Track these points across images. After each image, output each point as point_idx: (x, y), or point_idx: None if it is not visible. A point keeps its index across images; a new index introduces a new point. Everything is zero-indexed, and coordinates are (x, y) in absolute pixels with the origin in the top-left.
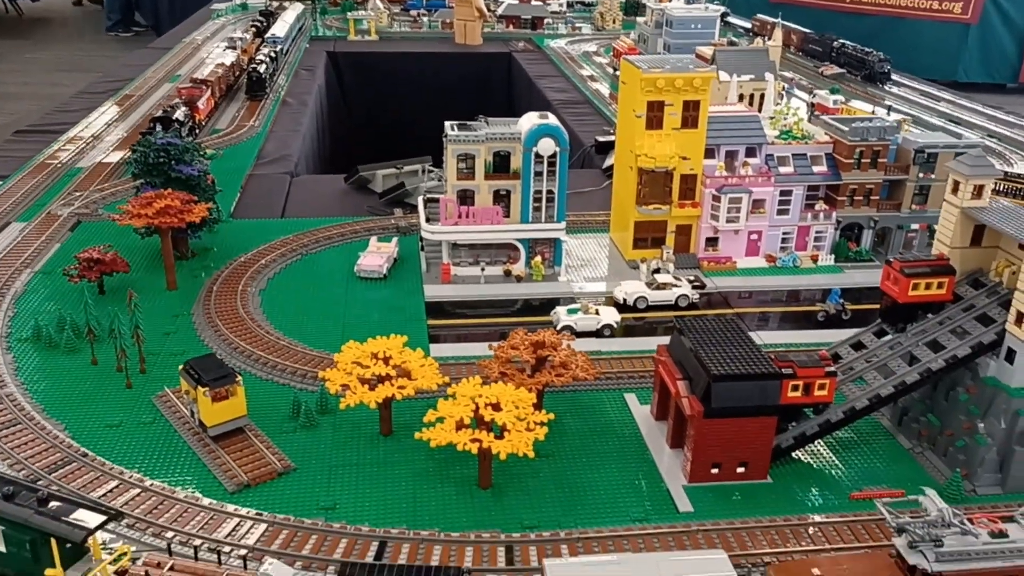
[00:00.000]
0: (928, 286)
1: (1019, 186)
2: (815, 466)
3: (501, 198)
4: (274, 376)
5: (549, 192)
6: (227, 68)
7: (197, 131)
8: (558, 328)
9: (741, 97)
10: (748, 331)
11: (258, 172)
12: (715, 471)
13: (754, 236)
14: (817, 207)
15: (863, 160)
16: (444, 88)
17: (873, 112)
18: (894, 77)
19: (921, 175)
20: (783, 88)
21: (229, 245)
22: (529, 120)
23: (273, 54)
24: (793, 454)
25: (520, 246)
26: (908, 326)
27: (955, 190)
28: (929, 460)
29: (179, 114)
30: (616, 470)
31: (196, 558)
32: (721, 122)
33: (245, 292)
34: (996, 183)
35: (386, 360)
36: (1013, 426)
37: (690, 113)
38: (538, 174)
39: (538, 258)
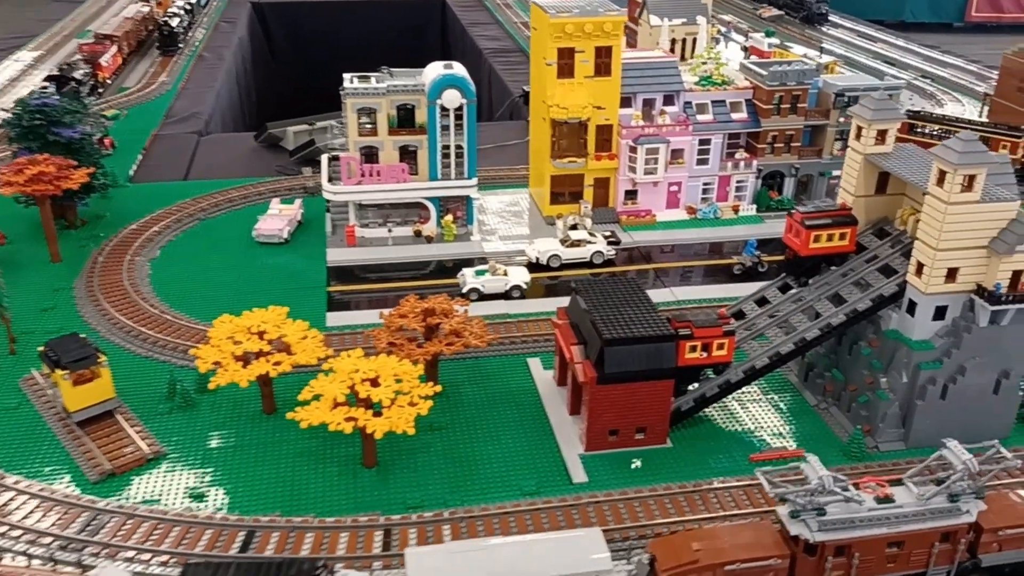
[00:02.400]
0: (830, 238)
1: (953, 129)
2: (717, 427)
3: (408, 155)
4: (154, 353)
5: (458, 147)
6: (137, 22)
7: (101, 90)
8: (464, 291)
9: (674, 41)
10: (645, 290)
11: (165, 132)
12: (613, 438)
13: (674, 188)
14: (737, 156)
15: (783, 105)
16: (377, 38)
17: (804, 55)
18: (832, 18)
19: (842, 119)
20: (719, 32)
21: (123, 211)
22: (434, 70)
23: (188, 6)
24: (695, 415)
25: (430, 205)
26: (812, 279)
27: (858, 136)
28: (834, 416)
29: (78, 72)
30: (511, 441)
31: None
32: (637, 69)
33: (134, 262)
34: (928, 127)
35: (261, 335)
36: (914, 380)
37: (603, 60)
38: (445, 128)
39: (449, 217)
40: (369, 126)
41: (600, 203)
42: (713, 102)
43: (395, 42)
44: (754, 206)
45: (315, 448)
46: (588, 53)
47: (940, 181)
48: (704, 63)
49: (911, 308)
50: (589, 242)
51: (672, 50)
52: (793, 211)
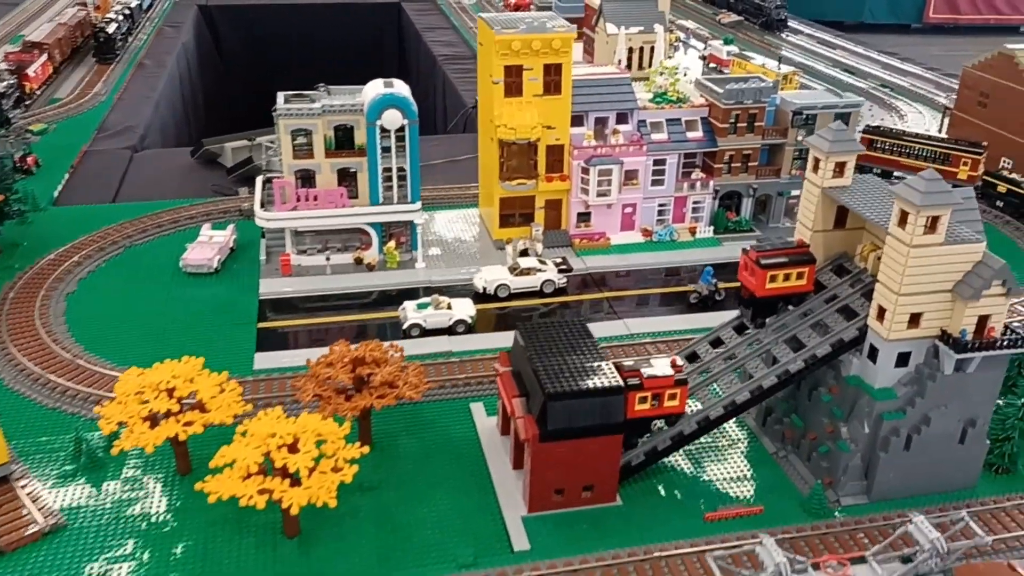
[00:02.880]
0: (787, 277)
1: (911, 146)
2: (670, 481)
3: (348, 178)
4: (63, 404)
5: (400, 170)
6: (71, 28)
7: (27, 102)
8: (404, 327)
9: (631, 50)
10: (593, 335)
11: (96, 148)
12: (558, 497)
13: (628, 209)
14: (694, 176)
15: (739, 124)
16: (333, 43)
17: (763, 65)
18: (792, 24)
19: (800, 138)
20: (678, 39)
21: (43, 239)
22: (374, 89)
23: (128, 11)
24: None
25: (372, 231)
26: (769, 319)
27: (815, 167)
28: (793, 466)
29: (1, 84)
30: (449, 502)
31: None
32: (588, 86)
33: (48, 297)
34: (887, 143)
35: (171, 391)
36: (877, 430)
37: (552, 78)
38: (385, 150)
39: (392, 243)
40: (305, 148)
41: (552, 226)
42: (668, 120)
43: (353, 46)
44: (711, 228)
45: (232, 516)
46: (537, 71)
47: (902, 222)
48: (660, 74)
49: (872, 354)
50: (539, 270)
51: (630, 59)
52: (748, 249)
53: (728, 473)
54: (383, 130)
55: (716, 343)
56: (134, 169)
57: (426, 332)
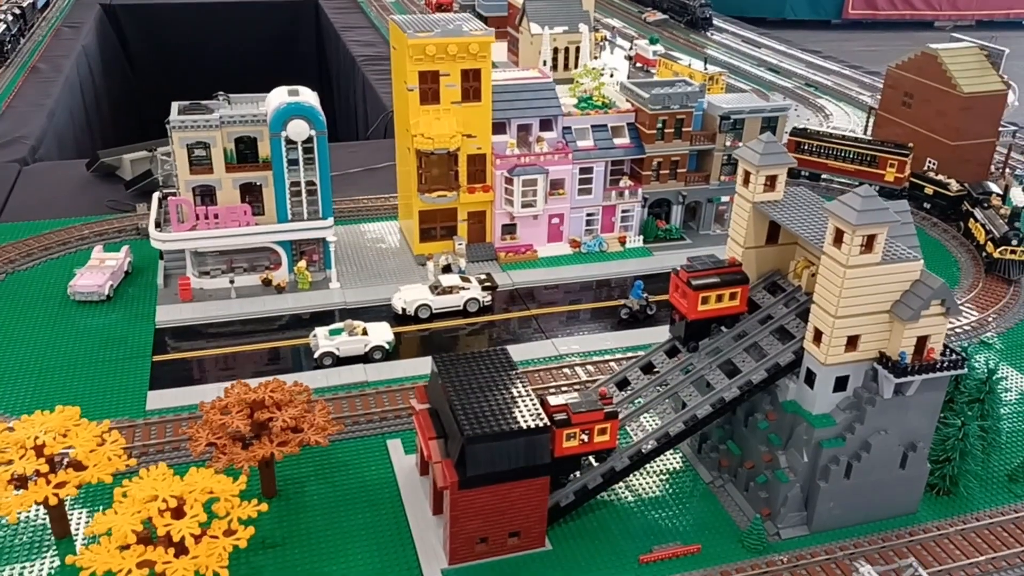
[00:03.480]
0: (720, 298)
1: (838, 148)
2: (602, 520)
3: (252, 193)
4: None
5: (309, 183)
6: None
7: None
8: (316, 355)
9: (556, 51)
10: (515, 366)
11: None
12: (481, 547)
13: (555, 220)
14: (622, 184)
15: (667, 130)
16: (248, 43)
17: (689, 66)
18: (716, 22)
19: (729, 143)
20: (604, 38)
21: None
22: (278, 98)
23: (19, 9)
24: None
25: (280, 250)
26: (702, 342)
27: (745, 181)
28: (731, 496)
29: None
30: (362, 557)
31: None
32: (510, 92)
33: None
34: (814, 145)
35: (39, 450)
36: (816, 459)
37: (471, 84)
38: (292, 163)
39: (303, 263)
40: (204, 162)
41: (476, 239)
42: (594, 127)
43: (268, 48)
44: (641, 237)
45: None
46: (454, 76)
47: (837, 241)
48: (584, 76)
49: (810, 379)
50: (462, 288)
51: (555, 60)
52: (678, 269)
53: (663, 508)
54: (289, 142)
55: (647, 368)
56: (22, 185)
57: (340, 360)
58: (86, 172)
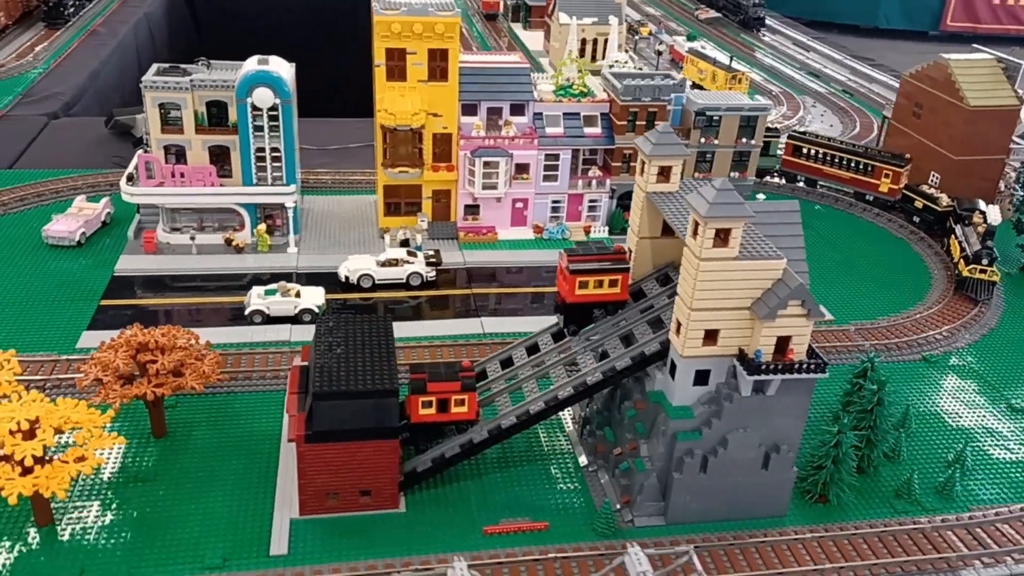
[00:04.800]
0: (599, 284)
1: (835, 154)
2: (464, 490)
3: (222, 156)
4: None
5: (274, 150)
6: None
7: None
8: (246, 312)
9: (584, 42)
10: (392, 334)
11: (14, 113)
12: (332, 501)
13: (519, 205)
14: (591, 173)
15: (638, 122)
16: (322, 10)
17: (714, 62)
18: (770, 23)
19: (703, 140)
20: (650, 33)
21: None
22: (249, 65)
23: None
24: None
25: (244, 212)
26: (583, 327)
27: (642, 171)
28: (600, 481)
29: None
30: (222, 500)
31: None
32: (481, 75)
33: None
34: (812, 150)
35: None
36: (671, 450)
37: (437, 64)
38: (258, 129)
39: (262, 226)
40: (176, 123)
41: (441, 217)
42: (565, 114)
43: (338, 17)
44: (607, 228)
45: None
46: (421, 56)
47: (694, 233)
48: (569, 65)
49: (673, 370)
50: (406, 262)
51: (582, 50)
52: (563, 252)
53: (530, 485)
54: (255, 108)
55: (533, 349)
56: (45, 137)
57: (270, 319)
58: (104, 129)
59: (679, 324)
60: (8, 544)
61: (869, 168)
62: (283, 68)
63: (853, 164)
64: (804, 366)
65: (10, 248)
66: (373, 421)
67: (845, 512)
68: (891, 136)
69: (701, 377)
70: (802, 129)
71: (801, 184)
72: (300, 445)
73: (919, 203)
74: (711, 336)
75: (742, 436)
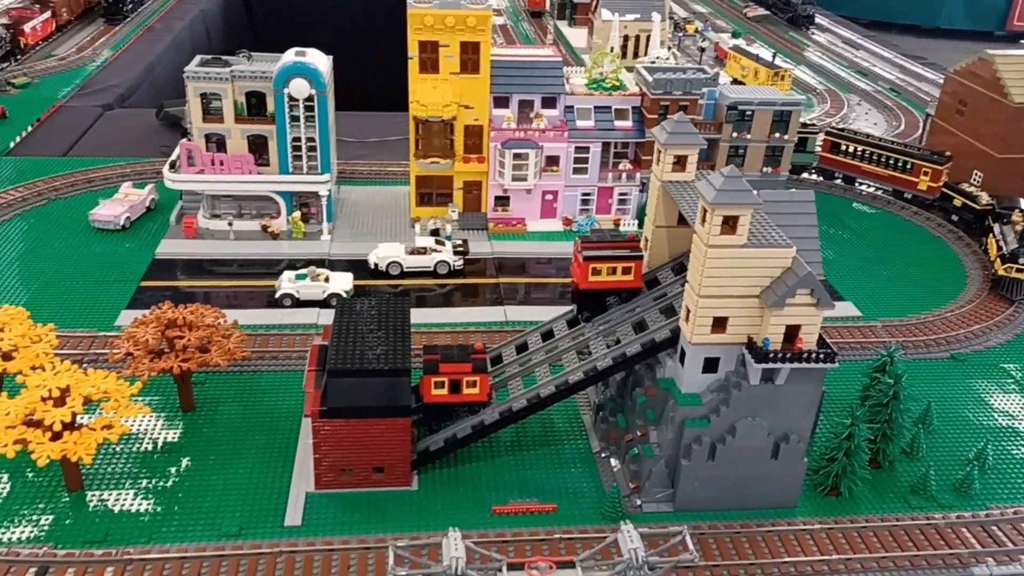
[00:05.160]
0: (612, 271)
1: (874, 151)
2: (477, 471)
3: (260, 145)
4: None
5: (310, 140)
6: None
7: (19, 56)
8: (276, 295)
9: (626, 38)
10: (408, 316)
11: (72, 104)
12: (346, 477)
13: (549, 196)
14: (621, 166)
15: (669, 115)
16: (377, 8)
17: (757, 57)
18: (820, 21)
19: (735, 134)
20: (696, 30)
21: None
22: (288, 57)
23: None
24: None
25: (280, 200)
26: (599, 314)
27: (658, 160)
28: (611, 467)
29: None
30: (243, 472)
31: None
32: (513, 68)
33: None
34: (850, 147)
35: None
36: (679, 437)
37: (469, 56)
38: (295, 119)
39: (297, 214)
40: (217, 112)
41: (472, 208)
42: (596, 108)
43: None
44: (637, 221)
45: (14, 465)
46: (453, 48)
47: (703, 220)
48: (603, 59)
49: (682, 357)
50: (435, 250)
51: (624, 47)
52: (578, 239)
53: (542, 469)
54: (291, 99)
55: (548, 335)
56: (99, 126)
57: (299, 303)
58: (155, 120)
59: (688, 311)
60: (41, 507)
61: (908, 166)
62: (320, 60)
63: (892, 161)
64: (813, 355)
65: (59, 231)
66: (386, 399)
67: (857, 505)
68: (934, 134)
69: (710, 364)
70: (842, 126)
71: (839, 181)
72: (315, 420)
73: (958, 201)
74: (720, 323)
75: (751, 425)
